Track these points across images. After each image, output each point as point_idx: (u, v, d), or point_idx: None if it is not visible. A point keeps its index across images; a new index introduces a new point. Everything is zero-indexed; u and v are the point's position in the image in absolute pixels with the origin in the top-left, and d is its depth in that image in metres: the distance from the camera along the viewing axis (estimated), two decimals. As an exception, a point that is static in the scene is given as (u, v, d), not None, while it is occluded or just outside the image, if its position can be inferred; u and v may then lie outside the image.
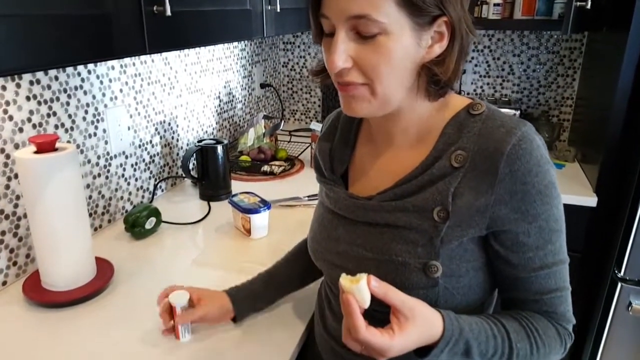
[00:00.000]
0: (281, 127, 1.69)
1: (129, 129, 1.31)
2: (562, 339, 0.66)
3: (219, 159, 1.42)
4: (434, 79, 0.61)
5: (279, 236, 1.22)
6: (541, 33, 2.02)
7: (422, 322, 0.57)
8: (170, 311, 0.82)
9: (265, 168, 1.63)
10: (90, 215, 1.21)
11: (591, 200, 1.51)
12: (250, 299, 0.89)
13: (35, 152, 0.89)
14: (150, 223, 1.20)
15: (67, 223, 0.93)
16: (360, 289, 0.55)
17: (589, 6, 1.47)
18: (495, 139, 0.60)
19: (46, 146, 0.90)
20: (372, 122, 0.72)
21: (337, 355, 0.77)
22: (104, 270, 1.02)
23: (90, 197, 1.20)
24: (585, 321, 1.61)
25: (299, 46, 2.23)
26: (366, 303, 0.55)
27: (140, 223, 1.19)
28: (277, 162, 1.67)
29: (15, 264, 1.01)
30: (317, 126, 1.64)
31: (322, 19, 0.61)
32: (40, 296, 0.93)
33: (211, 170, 1.42)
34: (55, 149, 0.92)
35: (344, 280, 0.56)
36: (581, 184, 1.61)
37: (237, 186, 1.53)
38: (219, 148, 1.41)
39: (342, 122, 0.79)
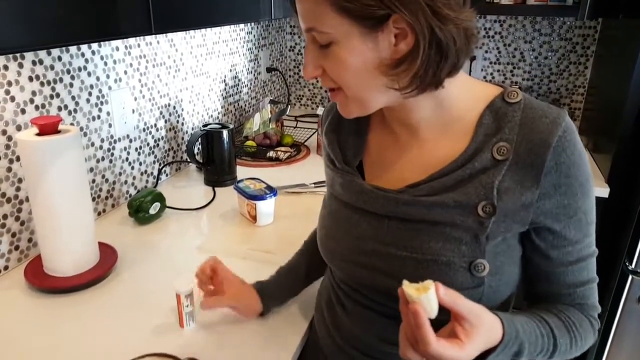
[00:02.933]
0: (287, 113, 1.66)
1: (133, 112, 1.28)
2: (594, 329, 0.67)
3: (225, 144, 1.39)
4: (427, 71, 0.56)
5: (285, 223, 1.20)
6: (554, 19, 1.97)
7: (486, 329, 0.54)
8: (209, 278, 0.82)
9: (271, 154, 1.60)
10: (94, 199, 1.19)
11: (603, 191, 1.48)
12: (276, 295, 0.87)
13: (38, 134, 0.87)
14: (154, 208, 1.18)
15: (70, 207, 0.91)
16: (429, 298, 0.50)
17: (606, -9, 1.43)
18: (540, 130, 0.58)
19: (49, 128, 0.87)
20: (385, 112, 0.69)
21: (349, 357, 0.74)
22: (108, 256, 1.01)
23: (93, 181, 1.18)
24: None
25: (306, 30, 2.19)
26: (434, 313, 0.50)
27: (144, 208, 1.17)
28: (282, 148, 1.64)
29: (17, 248, 0.99)
30: (320, 111, 1.61)
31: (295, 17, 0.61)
32: (42, 282, 0.92)
33: (216, 155, 1.40)
34: (58, 131, 0.89)
35: (409, 288, 0.51)
36: (593, 174, 1.57)
37: (242, 172, 1.50)
38: (225, 133, 1.38)
39: (339, 115, 0.75)
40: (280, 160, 1.60)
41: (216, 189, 1.40)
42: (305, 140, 1.78)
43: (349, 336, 0.73)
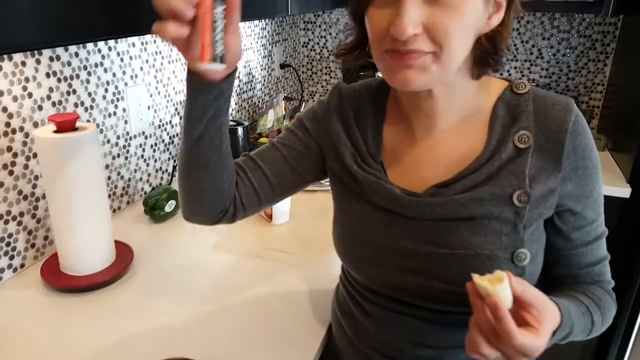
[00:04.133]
0: (301, 109, 1.64)
1: (149, 108, 1.27)
2: (614, 302, 0.69)
3: (239, 141, 1.38)
4: (485, 53, 0.59)
5: (301, 222, 1.19)
6: (573, 16, 1.92)
7: (551, 314, 0.54)
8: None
9: (286, 151, 1.59)
10: (109, 196, 1.18)
11: (624, 192, 1.45)
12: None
13: (55, 132, 0.86)
14: (170, 206, 1.17)
15: (87, 205, 0.90)
16: (504, 289, 0.49)
17: (631, -13, 1.39)
18: (555, 116, 0.61)
19: (66, 125, 0.86)
20: (406, 102, 0.66)
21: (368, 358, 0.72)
22: (124, 255, 1.00)
23: (109, 178, 1.17)
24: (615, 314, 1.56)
25: (319, 26, 2.17)
26: (510, 304, 0.50)
27: (160, 206, 1.16)
28: (297, 146, 1.62)
29: (33, 246, 0.99)
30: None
31: None
32: (59, 281, 0.91)
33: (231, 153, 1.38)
34: (76, 129, 0.88)
35: (483, 281, 0.50)
36: (613, 173, 1.54)
37: (256, 169, 1.49)
38: (239, 130, 1.37)
39: (358, 103, 0.71)
40: (294, 157, 1.58)
41: (231, 186, 1.38)
42: (320, 138, 1.76)
43: (377, 343, 0.71)
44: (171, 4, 0.49)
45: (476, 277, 0.51)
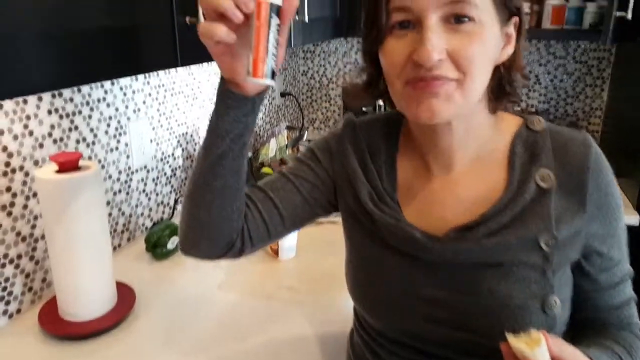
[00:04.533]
0: (304, 139, 1.63)
1: (151, 141, 1.25)
2: None
3: (243, 174, 1.35)
4: (502, 83, 0.59)
5: (308, 257, 1.15)
6: (568, 42, 1.95)
7: None
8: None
9: (288, 182, 1.56)
10: (110, 233, 1.14)
11: (633, 219, 1.43)
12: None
13: (57, 172, 0.83)
14: (172, 242, 1.14)
15: (89, 248, 0.86)
16: (543, 353, 0.47)
17: (629, 17, 1.41)
18: (575, 153, 0.59)
19: (68, 165, 0.83)
20: (420, 137, 0.64)
21: None
22: (125, 297, 0.96)
23: (110, 214, 1.13)
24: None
25: (319, 55, 2.17)
26: None
27: (162, 243, 1.12)
28: (300, 176, 1.60)
29: (30, 289, 0.94)
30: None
31: (394, 14, 0.54)
32: (58, 328, 0.86)
33: (234, 185, 1.35)
34: (78, 168, 0.85)
35: (519, 343, 0.47)
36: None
37: (259, 201, 1.46)
38: (243, 162, 1.34)
39: (371, 138, 0.68)
40: (297, 188, 1.55)
41: (233, 219, 1.35)
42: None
43: None
44: (221, 4, 0.48)
45: (512, 339, 0.48)
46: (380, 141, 0.68)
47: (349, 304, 0.75)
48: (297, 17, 1.25)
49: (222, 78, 0.58)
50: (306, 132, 1.66)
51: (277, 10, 0.50)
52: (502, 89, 0.59)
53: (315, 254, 1.16)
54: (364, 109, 1.85)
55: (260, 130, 1.89)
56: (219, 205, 0.63)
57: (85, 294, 0.88)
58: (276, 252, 1.14)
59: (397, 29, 0.55)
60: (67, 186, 0.82)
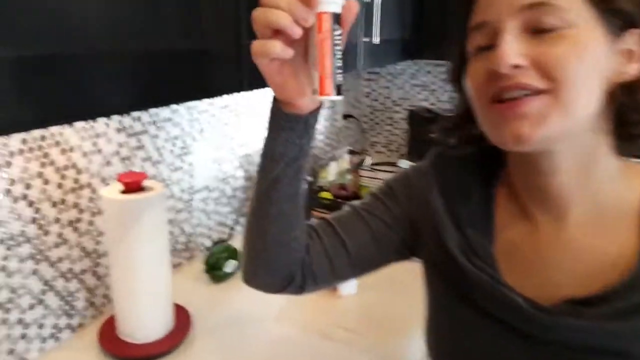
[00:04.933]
0: (365, 164, 1.58)
1: (213, 162, 1.25)
2: None
3: (303, 197, 1.32)
4: (625, 111, 0.48)
5: (369, 295, 1.08)
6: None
7: None
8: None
9: (349, 207, 1.51)
10: (171, 252, 1.14)
11: None
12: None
13: (122, 191, 0.83)
14: (229, 266, 1.12)
15: (149, 270, 0.85)
16: None
17: None
18: None
19: (134, 186, 0.84)
20: (522, 172, 0.54)
21: None
22: (182, 321, 0.94)
23: (171, 233, 1.14)
24: None
25: (384, 76, 2.13)
26: None
27: (219, 265, 1.10)
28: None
29: (92, 304, 0.95)
30: (406, 165, 1.50)
31: (473, 34, 0.49)
32: (116, 348, 0.86)
33: (293, 208, 1.32)
34: (143, 188, 0.85)
35: None
36: None
37: (318, 225, 1.42)
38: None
39: (462, 175, 0.60)
40: (358, 214, 1.50)
41: (291, 243, 1.32)
42: (383, 192, 1.67)
43: None
44: (278, 21, 0.43)
45: None
46: (475, 179, 0.59)
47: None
48: (366, 39, 1.22)
49: (273, 98, 0.54)
50: (369, 158, 1.60)
51: (338, 19, 0.46)
52: (626, 121, 0.49)
53: (378, 292, 1.09)
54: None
55: (320, 153, 1.87)
56: (275, 233, 0.59)
57: (144, 316, 0.87)
58: (335, 287, 1.08)
59: (478, 53, 0.50)
60: (131, 207, 0.81)
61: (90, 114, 0.56)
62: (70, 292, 0.90)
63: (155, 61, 0.59)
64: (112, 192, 0.83)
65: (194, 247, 1.22)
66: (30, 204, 0.80)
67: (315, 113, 0.54)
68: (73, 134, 0.87)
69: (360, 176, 1.71)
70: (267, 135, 0.55)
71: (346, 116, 1.98)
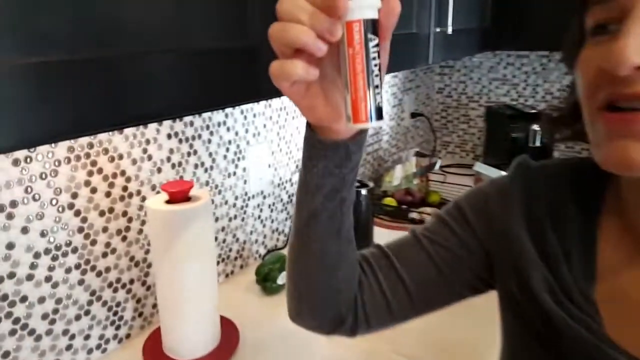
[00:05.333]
0: (436, 168, 1.45)
1: (269, 166, 1.19)
2: None
3: (361, 206, 1.22)
4: None
5: (435, 318, 0.96)
6: None
7: None
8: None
9: (414, 215, 1.39)
10: (223, 260, 1.10)
11: None
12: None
13: (167, 201, 0.79)
14: (282, 278, 1.05)
15: (195, 282, 0.81)
16: None
17: None
18: None
19: (179, 196, 0.79)
20: (635, 198, 0.43)
21: None
22: (229, 337, 0.89)
23: (224, 240, 1.09)
24: None
25: (458, 70, 1.96)
26: None
27: (272, 277, 1.04)
28: (428, 209, 1.42)
29: (141, 314, 0.93)
30: (484, 169, 1.35)
31: (594, 7, 0.38)
32: (159, 364, 0.82)
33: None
34: (189, 198, 0.81)
35: None
36: None
37: (378, 234, 1.32)
38: (362, 193, 1.22)
39: (555, 194, 0.49)
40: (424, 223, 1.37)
41: (350, 254, 1.23)
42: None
43: None
44: (299, 38, 0.34)
45: None
46: (571, 201, 0.48)
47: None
48: (438, 29, 1.10)
49: (307, 122, 0.45)
50: (439, 161, 1.47)
51: (374, 26, 0.36)
52: None
53: (444, 315, 0.97)
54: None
55: (385, 155, 1.75)
56: (319, 274, 0.50)
57: (189, 332, 0.83)
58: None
59: (596, 34, 0.38)
60: (175, 218, 0.77)
61: (141, 120, 0.51)
62: (118, 303, 0.88)
63: (207, 62, 0.53)
64: (157, 202, 0.79)
65: (248, 255, 1.18)
66: (77, 213, 0.79)
67: (358, 139, 0.45)
68: (122, 140, 0.84)
69: (429, 180, 1.58)
70: (301, 163, 0.47)
71: (414, 114, 1.85)
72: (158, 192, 0.91)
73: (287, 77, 0.36)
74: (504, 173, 1.40)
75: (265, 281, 1.05)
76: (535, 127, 1.57)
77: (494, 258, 0.52)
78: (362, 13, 0.35)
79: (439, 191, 1.56)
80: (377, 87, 0.37)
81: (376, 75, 0.36)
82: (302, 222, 0.48)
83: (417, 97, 1.91)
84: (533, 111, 1.66)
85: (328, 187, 0.46)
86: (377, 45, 0.36)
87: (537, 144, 1.58)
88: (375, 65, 0.36)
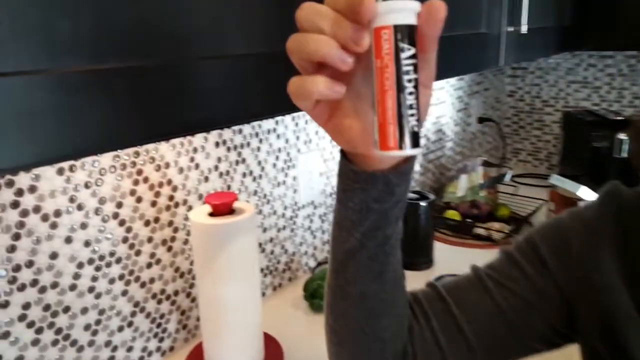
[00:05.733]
0: (506, 178, 1.32)
1: (320, 175, 1.13)
2: None
3: (421, 219, 1.14)
4: None
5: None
6: None
7: None
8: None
9: (480, 231, 1.28)
10: (271, 272, 1.06)
11: None
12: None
13: (211, 214, 0.76)
14: (332, 295, 0.99)
15: (237, 299, 0.77)
16: None
17: None
18: None
19: (222, 208, 0.76)
20: None
21: None
22: (272, 355, 0.84)
23: (272, 252, 1.05)
24: None
25: (532, 72, 1.80)
26: None
27: (320, 294, 0.98)
28: (496, 224, 1.30)
29: (185, 327, 0.90)
30: (561, 182, 1.21)
31: None
32: (199, 383, 0.79)
33: (409, 231, 1.14)
34: (233, 211, 0.77)
35: None
36: None
37: (439, 250, 1.22)
38: (422, 206, 1.13)
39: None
40: (492, 241, 1.26)
41: (406, 272, 1.14)
42: (530, 215, 1.38)
43: None
44: (319, 50, 0.29)
45: None
46: None
47: None
48: (510, 29, 0.99)
49: (340, 149, 0.39)
50: (509, 172, 1.34)
51: (410, 34, 0.29)
52: None
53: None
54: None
55: (448, 163, 1.64)
56: (359, 321, 0.44)
57: (231, 349, 0.79)
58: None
59: None
60: (218, 232, 0.74)
61: (191, 129, 0.48)
62: (162, 314, 0.86)
63: (258, 67, 0.49)
64: (199, 214, 0.76)
65: (297, 267, 1.13)
66: (122, 223, 0.77)
67: (402, 168, 0.38)
68: (169, 149, 0.82)
69: (498, 192, 1.45)
70: (336, 195, 0.41)
71: (482, 119, 1.72)
72: (196, 208, 0.88)
73: (306, 96, 0.30)
74: (584, 187, 1.24)
75: (313, 298, 0.99)
76: (622, 135, 1.39)
77: (576, 308, 0.43)
78: (394, 18, 0.29)
79: (509, 204, 1.43)
80: (411, 107, 0.30)
81: (410, 94, 0.30)
82: (338, 262, 0.42)
83: (486, 100, 1.78)
84: (619, 118, 1.48)
85: (367, 224, 0.39)
86: (413, 56, 0.29)
87: (624, 155, 1.41)
88: (410, 81, 0.30)
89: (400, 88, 0.29)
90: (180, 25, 0.41)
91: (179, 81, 0.42)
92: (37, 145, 0.33)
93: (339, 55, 0.29)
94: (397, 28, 0.29)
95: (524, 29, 0.99)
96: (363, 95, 0.33)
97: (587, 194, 1.19)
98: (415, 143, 0.30)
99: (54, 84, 0.33)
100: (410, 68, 0.29)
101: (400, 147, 0.30)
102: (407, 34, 0.29)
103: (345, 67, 0.29)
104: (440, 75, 0.80)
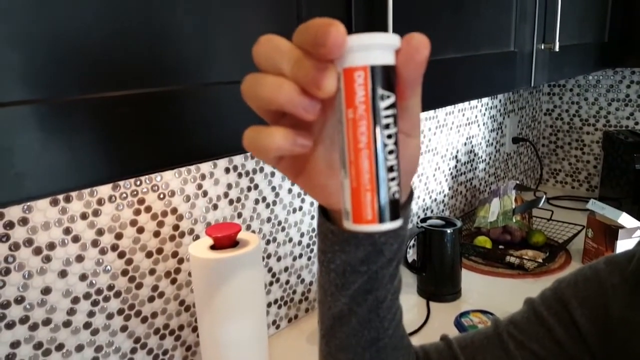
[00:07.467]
0: (541, 203, 1.22)
1: (339, 201, 1.07)
2: None
3: (447, 247, 1.06)
4: None
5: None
6: None
7: None
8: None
9: (512, 259, 1.18)
10: (286, 303, 1.00)
11: None
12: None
13: (212, 247, 0.71)
14: (348, 331, 0.92)
15: (241, 339, 0.72)
16: None
17: None
18: None
19: (225, 241, 0.71)
20: None
21: None
22: (280, 401, 0.78)
23: (287, 282, 0.99)
24: None
25: (570, 89, 1.70)
26: None
27: (336, 330, 0.92)
28: (529, 252, 1.20)
29: (191, 363, 0.85)
30: (600, 209, 1.11)
31: None
32: None
33: (435, 259, 1.07)
34: (236, 243, 0.72)
35: None
36: None
37: (468, 278, 1.14)
38: (448, 233, 1.05)
39: None
40: (525, 269, 1.16)
41: (431, 303, 1.06)
42: (567, 242, 1.27)
43: None
44: (273, 96, 0.23)
45: None
46: None
47: None
48: (542, 46, 0.91)
49: (319, 204, 0.33)
50: (544, 196, 1.24)
51: (389, 77, 0.23)
52: None
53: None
54: None
55: (480, 185, 1.55)
56: None
57: (231, 393, 0.73)
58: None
59: None
60: (219, 267, 0.69)
61: (201, 157, 0.44)
62: (165, 350, 0.81)
63: None
64: (200, 247, 0.71)
65: (314, 297, 1.06)
66: (122, 255, 0.73)
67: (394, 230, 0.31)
68: (174, 176, 0.78)
69: (532, 217, 1.35)
70: (318, 254, 0.35)
71: (517, 139, 1.62)
72: (196, 241, 0.84)
73: (262, 152, 0.24)
74: (625, 215, 1.12)
75: (329, 334, 0.93)
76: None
77: None
78: (371, 57, 0.22)
79: (544, 230, 1.32)
80: (391, 169, 0.24)
81: (390, 152, 0.24)
82: (325, 328, 0.36)
83: (521, 119, 1.68)
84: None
85: (354, 287, 0.33)
86: (392, 105, 0.23)
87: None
88: (390, 137, 0.23)
89: (378, 146, 0.23)
90: (194, 50, 0.38)
91: (187, 108, 0.38)
92: (31, 179, 0.31)
93: (300, 103, 0.23)
94: (375, 70, 0.23)
95: (556, 46, 0.91)
96: (327, 145, 0.27)
97: (628, 222, 1.08)
98: (395, 214, 0.24)
99: (50, 113, 0.31)
100: (390, 120, 0.23)
101: (380, 220, 0.23)
102: (386, 77, 0.23)
103: (310, 116, 0.24)
104: (457, 99, 0.73)
